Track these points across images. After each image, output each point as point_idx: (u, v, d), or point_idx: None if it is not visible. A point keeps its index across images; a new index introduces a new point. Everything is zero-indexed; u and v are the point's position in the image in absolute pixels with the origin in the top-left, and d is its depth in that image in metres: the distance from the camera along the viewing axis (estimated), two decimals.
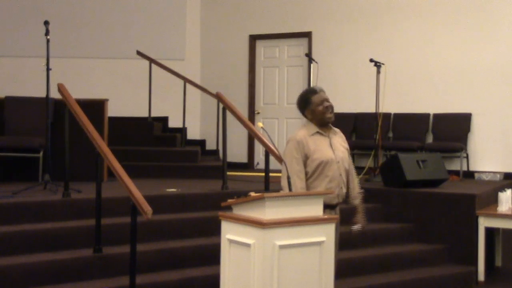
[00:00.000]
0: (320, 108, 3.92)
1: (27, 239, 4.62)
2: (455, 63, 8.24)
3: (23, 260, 4.37)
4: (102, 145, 4.67)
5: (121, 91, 9.19)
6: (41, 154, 6.42)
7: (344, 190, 4.00)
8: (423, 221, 6.12)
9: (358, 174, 6.99)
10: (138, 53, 8.91)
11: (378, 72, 7.22)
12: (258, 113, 9.56)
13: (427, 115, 8.34)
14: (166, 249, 4.92)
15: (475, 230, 5.87)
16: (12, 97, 6.95)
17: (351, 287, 5.04)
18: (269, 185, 5.98)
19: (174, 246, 5.00)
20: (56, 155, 5.97)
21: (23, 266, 4.30)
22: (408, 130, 8.29)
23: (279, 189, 3.88)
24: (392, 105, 8.04)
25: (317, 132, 3.94)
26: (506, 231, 6.61)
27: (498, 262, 6.65)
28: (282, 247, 3.29)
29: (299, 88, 9.12)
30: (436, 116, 8.29)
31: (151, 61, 8.76)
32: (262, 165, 7.11)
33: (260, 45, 9.65)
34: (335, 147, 3.95)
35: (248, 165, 9.49)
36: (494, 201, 6.35)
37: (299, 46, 9.33)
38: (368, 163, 7.35)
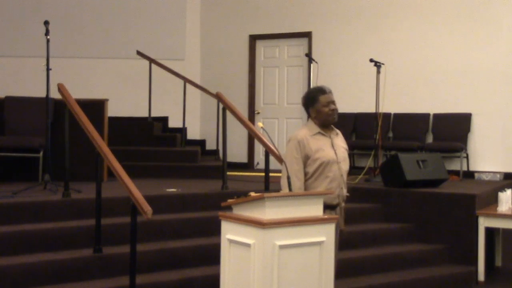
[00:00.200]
0: (326, 109, 3.91)
1: (27, 239, 4.62)
2: (455, 63, 8.24)
3: (23, 260, 4.37)
4: (102, 145, 4.67)
5: (121, 91, 9.19)
6: (41, 154, 6.42)
7: (345, 191, 4.00)
8: (423, 221, 6.12)
9: (358, 174, 7.07)
10: (138, 53, 8.91)
11: (378, 72, 7.22)
12: (258, 113, 9.56)
13: (427, 115, 8.35)
14: (166, 249, 4.91)
15: (475, 230, 5.87)
16: (12, 97, 6.96)
17: (351, 287, 5.04)
18: (269, 185, 5.98)
19: (174, 246, 4.99)
20: (56, 155, 5.97)
21: (23, 266, 4.30)
22: (408, 130, 8.29)
23: (279, 189, 3.88)
24: (392, 105, 8.04)
25: (319, 132, 3.93)
26: (506, 231, 6.61)
27: (498, 262, 6.65)
28: (282, 247, 3.29)
29: (299, 88, 9.16)
30: (436, 116, 8.29)
31: (151, 61, 8.76)
32: (262, 165, 7.11)
33: (260, 45, 9.65)
34: (336, 148, 3.95)
35: (248, 165, 9.49)
36: (494, 201, 6.35)
37: (299, 46, 9.33)
38: (368, 163, 7.34)
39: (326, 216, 3.51)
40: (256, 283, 3.26)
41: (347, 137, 4.33)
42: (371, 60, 7.27)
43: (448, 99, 8.25)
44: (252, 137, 8.77)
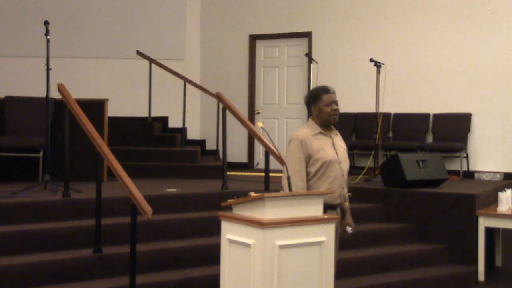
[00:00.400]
0: (328, 109, 3.91)
1: (27, 239, 4.62)
2: (455, 63, 8.24)
3: (23, 260, 4.37)
4: (102, 145, 4.67)
5: (121, 91, 9.19)
6: (41, 154, 6.42)
7: (346, 191, 4.00)
8: (423, 221, 6.12)
9: (358, 174, 7.07)
10: (138, 53, 8.91)
11: (378, 72, 7.22)
12: (258, 113, 9.56)
13: (427, 115, 8.35)
14: (166, 249, 4.91)
15: (475, 230, 5.87)
16: (12, 97, 6.96)
17: (351, 287, 5.04)
18: (269, 185, 5.98)
19: (174, 246, 4.99)
20: (56, 155, 5.97)
21: (23, 266, 4.30)
22: (408, 130, 8.30)
23: (279, 189, 3.88)
24: (392, 105, 8.04)
25: (320, 132, 3.93)
26: (506, 231, 6.61)
27: (498, 262, 6.64)
28: (282, 247, 3.29)
29: (299, 88, 9.17)
30: (436, 116, 8.29)
31: (151, 61, 8.76)
32: (262, 165, 7.11)
33: (260, 45, 9.65)
34: (337, 148, 3.96)
35: (248, 165, 9.49)
36: (494, 201, 6.35)
37: (299, 46, 9.33)
38: (368, 163, 7.34)
39: (326, 216, 3.51)
40: (256, 283, 3.26)
41: (347, 137, 4.33)
42: (371, 60, 7.27)
43: (448, 99, 8.26)
44: (252, 137, 8.77)
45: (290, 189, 3.62)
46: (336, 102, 3.94)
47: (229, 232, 3.47)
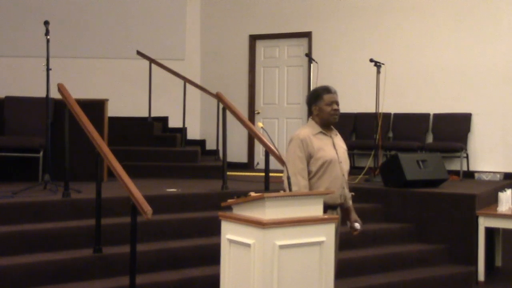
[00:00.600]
0: (328, 108, 3.91)
1: (27, 239, 4.62)
2: (455, 63, 8.24)
3: (23, 260, 4.37)
4: (102, 145, 4.67)
5: (121, 91, 9.18)
6: (41, 154, 6.42)
7: (346, 190, 4.01)
8: (423, 221, 6.12)
9: (358, 174, 7.07)
10: (138, 53, 8.91)
11: (378, 72, 7.22)
12: (258, 113, 9.56)
13: (427, 115, 8.34)
14: (166, 249, 4.91)
15: (475, 230, 5.87)
16: (12, 97, 6.96)
17: (351, 287, 5.04)
18: (269, 185, 5.98)
19: (174, 246, 4.99)
20: (56, 155, 5.97)
21: (23, 266, 4.30)
22: (408, 130, 8.29)
23: (279, 189, 3.88)
24: (392, 105, 8.04)
25: (321, 132, 3.94)
26: (506, 231, 6.61)
27: (498, 262, 6.64)
28: (282, 247, 3.29)
29: (299, 88, 9.17)
30: (436, 116, 8.29)
31: (151, 61, 8.76)
32: (262, 165, 7.11)
33: (260, 45, 9.65)
34: (337, 148, 3.96)
35: (248, 165, 9.49)
36: (494, 201, 6.35)
37: (299, 46, 9.33)
38: (368, 163, 7.34)
39: (326, 216, 3.51)
40: (256, 283, 3.26)
41: (347, 137, 4.33)
42: (371, 60, 7.27)
43: (448, 99, 8.25)
44: (252, 137, 8.77)
45: (290, 189, 3.62)
46: (337, 102, 3.95)
47: (229, 232, 3.47)
